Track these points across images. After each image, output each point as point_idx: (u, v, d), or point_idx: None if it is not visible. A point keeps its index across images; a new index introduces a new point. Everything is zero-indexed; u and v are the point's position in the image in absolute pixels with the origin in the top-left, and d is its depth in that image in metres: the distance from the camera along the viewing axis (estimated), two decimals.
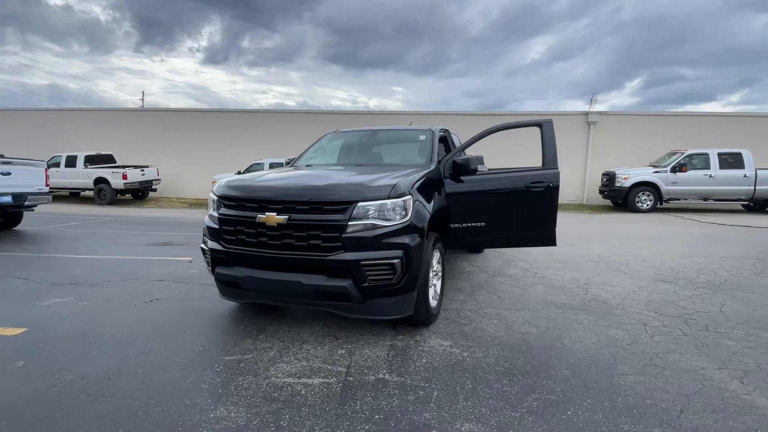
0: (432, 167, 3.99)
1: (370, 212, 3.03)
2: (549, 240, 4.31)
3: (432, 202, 3.53)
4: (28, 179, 8.40)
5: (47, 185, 8.86)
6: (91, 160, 16.79)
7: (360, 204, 3.02)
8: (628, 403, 2.35)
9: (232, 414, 2.23)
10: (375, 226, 3.01)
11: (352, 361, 2.91)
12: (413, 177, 3.44)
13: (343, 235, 2.97)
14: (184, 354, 2.97)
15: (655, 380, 2.61)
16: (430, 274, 3.45)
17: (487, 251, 6.58)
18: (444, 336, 3.33)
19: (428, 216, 3.32)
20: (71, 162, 16.61)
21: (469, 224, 4.16)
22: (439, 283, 3.79)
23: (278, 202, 3.12)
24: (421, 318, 3.40)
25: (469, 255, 6.32)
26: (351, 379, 2.65)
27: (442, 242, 3.83)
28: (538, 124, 4.33)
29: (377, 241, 2.99)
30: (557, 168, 4.20)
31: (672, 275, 5.18)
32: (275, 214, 3.05)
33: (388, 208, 3.07)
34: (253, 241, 3.16)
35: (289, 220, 3.02)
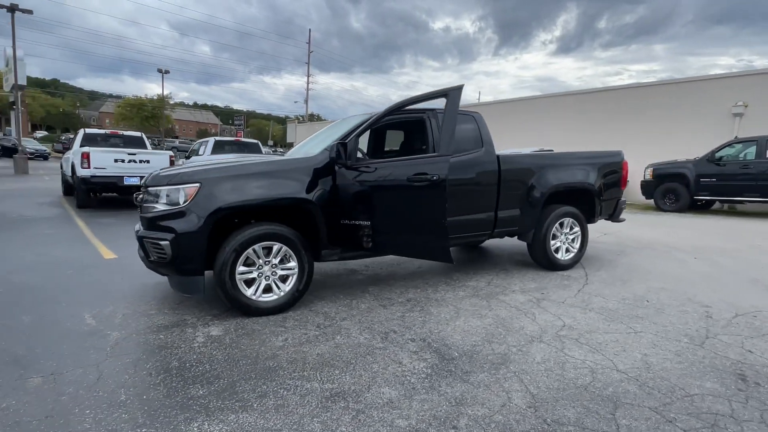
0: (321, 157, 3.72)
1: (155, 197, 3.40)
2: (441, 254, 3.57)
3: (253, 192, 3.40)
4: (161, 166, 9.81)
5: None
6: None
7: (149, 188, 3.43)
8: None
9: None
10: (154, 209, 3.36)
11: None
12: (217, 167, 3.51)
13: (140, 214, 3.57)
14: None
15: None
16: (266, 268, 3.50)
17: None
18: (217, 327, 3.19)
19: (222, 206, 3.29)
20: None
21: (355, 222, 3.70)
22: (288, 284, 3.57)
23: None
24: (240, 309, 3.44)
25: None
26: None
27: (316, 238, 3.71)
28: (445, 94, 3.61)
29: (153, 222, 3.34)
30: (449, 155, 3.45)
31: None
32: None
33: (165, 194, 3.34)
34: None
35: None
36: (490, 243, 6.54)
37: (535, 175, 4.78)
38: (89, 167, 9.24)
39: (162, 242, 3.24)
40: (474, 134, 4.51)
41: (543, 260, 4.97)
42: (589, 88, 18.48)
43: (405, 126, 4.89)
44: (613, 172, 5.39)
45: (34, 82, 76.04)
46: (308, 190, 3.60)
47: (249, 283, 3.48)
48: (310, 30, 48.58)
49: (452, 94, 3.52)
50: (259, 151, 12.46)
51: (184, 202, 3.26)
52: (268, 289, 3.54)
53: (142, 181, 3.78)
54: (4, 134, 38.15)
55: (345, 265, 5.19)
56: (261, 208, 3.54)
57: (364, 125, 3.84)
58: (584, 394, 2.41)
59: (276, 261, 3.54)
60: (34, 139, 41.58)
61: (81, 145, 10.91)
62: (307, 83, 46.47)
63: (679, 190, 11.14)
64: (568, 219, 5.00)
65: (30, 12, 19.70)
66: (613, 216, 5.56)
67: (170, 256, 3.24)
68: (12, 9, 19.15)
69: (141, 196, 3.57)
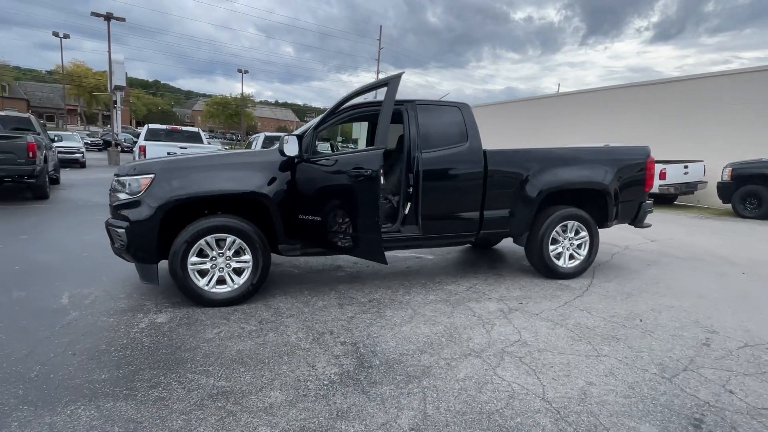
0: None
1: (121, 186, 3.49)
2: (373, 253, 3.47)
3: (197, 184, 3.45)
4: None
5: None
6: None
7: (118, 178, 3.54)
8: None
9: None
10: (118, 198, 3.49)
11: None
12: (174, 159, 3.69)
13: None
14: None
15: None
16: (220, 260, 3.54)
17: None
18: (166, 315, 3.26)
19: (171, 197, 3.37)
20: None
21: (309, 217, 3.66)
22: (243, 276, 3.58)
23: None
24: (192, 299, 3.50)
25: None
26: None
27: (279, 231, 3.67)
28: (386, 83, 3.47)
29: (116, 210, 3.50)
30: (383, 148, 3.31)
31: None
32: None
33: (123, 184, 3.46)
34: None
35: None
36: (504, 244, 6.10)
37: (529, 172, 4.33)
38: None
39: (119, 230, 3.41)
40: (458, 128, 4.19)
41: (540, 266, 4.51)
42: (662, 78, 16.48)
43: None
44: (633, 170, 4.73)
45: (139, 83, 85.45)
46: (263, 184, 3.58)
47: (204, 273, 3.55)
48: (381, 27, 48.99)
49: (392, 82, 3.31)
50: None
51: (139, 192, 3.40)
52: (222, 281, 3.59)
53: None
54: (104, 131, 43.05)
55: (333, 260, 5.13)
56: (215, 201, 3.59)
57: (318, 119, 3.74)
58: (483, 422, 2.12)
59: (230, 253, 3.57)
60: (133, 136, 46.63)
61: (145, 140, 11.99)
62: (376, 79, 46.93)
63: (762, 193, 9.55)
64: (572, 222, 4.48)
65: (123, 20, 22.04)
66: (636, 221, 4.88)
67: (126, 243, 3.40)
68: (108, 17, 21.54)
69: (111, 185, 3.80)
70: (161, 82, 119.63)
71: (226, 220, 3.50)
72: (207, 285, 3.53)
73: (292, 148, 3.50)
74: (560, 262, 4.51)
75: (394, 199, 4.47)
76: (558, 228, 4.44)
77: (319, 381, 2.49)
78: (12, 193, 9.65)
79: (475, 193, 4.18)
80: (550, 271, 4.48)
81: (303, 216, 3.67)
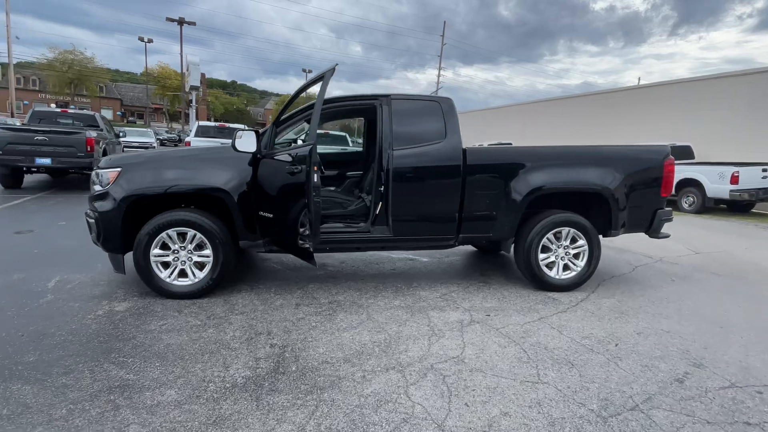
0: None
1: (95, 178, 3.67)
2: (296, 251, 3.54)
3: (160, 177, 3.56)
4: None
5: None
6: None
7: (97, 170, 3.71)
8: None
9: None
10: (94, 190, 3.65)
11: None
12: (141, 154, 3.81)
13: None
14: None
15: None
16: (182, 253, 3.60)
17: None
18: (126, 304, 3.36)
19: (132, 191, 3.48)
20: None
21: (264, 214, 3.64)
22: (204, 270, 3.63)
23: None
24: (154, 290, 3.61)
25: None
26: None
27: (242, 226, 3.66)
28: (321, 76, 3.43)
29: (91, 201, 3.65)
30: (311, 144, 3.24)
31: None
32: None
33: (98, 176, 3.64)
34: None
35: None
36: None
37: (515, 172, 3.95)
38: None
39: (90, 220, 3.60)
40: (436, 124, 3.93)
41: (529, 276, 4.11)
42: (725, 72, 14.47)
43: (363, 114, 4.54)
44: (647, 173, 4.15)
45: (218, 84, 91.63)
46: (223, 180, 3.60)
47: (168, 266, 3.65)
48: (444, 23, 48.20)
49: (326, 75, 3.15)
50: (345, 142, 12.85)
51: (107, 184, 3.56)
52: (184, 274, 3.67)
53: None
54: (167, 130, 46.36)
55: (321, 258, 5.06)
56: (175, 196, 3.65)
57: (277, 115, 3.69)
58: None
59: (191, 247, 3.64)
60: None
61: (195, 136, 12.76)
62: (438, 75, 46.41)
63: None
64: (567, 229, 4.03)
65: (193, 24, 23.75)
66: (650, 230, 4.29)
67: (96, 233, 3.59)
68: (180, 22, 23.28)
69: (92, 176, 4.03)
70: (238, 83, 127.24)
71: (187, 214, 3.56)
72: (169, 277, 3.62)
73: (244, 144, 3.48)
74: (552, 273, 4.08)
75: (367, 198, 4.31)
76: (550, 235, 4.02)
77: (222, 383, 2.43)
78: (77, 184, 10.71)
79: (451, 194, 3.90)
80: (539, 282, 4.07)
81: (260, 213, 3.64)
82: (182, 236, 3.61)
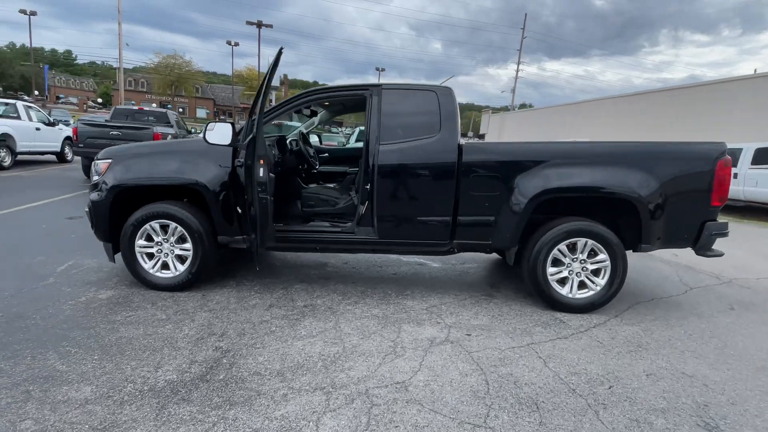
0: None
1: (94, 168, 3.76)
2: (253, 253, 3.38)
3: (143, 171, 3.61)
4: None
5: None
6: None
7: (95, 161, 3.79)
8: None
9: None
10: (93, 179, 3.74)
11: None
12: (131, 146, 3.88)
13: None
14: None
15: None
16: (165, 245, 3.62)
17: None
18: (111, 292, 3.40)
19: (117, 182, 3.54)
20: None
21: (240, 210, 3.55)
22: (185, 264, 3.63)
23: None
24: (139, 280, 3.66)
25: None
26: None
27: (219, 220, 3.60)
28: (276, 62, 3.35)
29: (90, 190, 3.74)
30: (252, 134, 3.16)
31: None
32: None
33: (96, 166, 3.73)
34: None
35: None
36: None
37: (519, 172, 3.42)
38: None
39: (86, 208, 3.74)
40: (431, 117, 3.53)
41: (536, 292, 3.56)
42: None
43: (358, 106, 4.23)
44: (692, 176, 3.38)
45: (301, 84, 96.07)
46: (200, 173, 3.53)
47: (152, 257, 3.68)
48: (525, 15, 45.92)
49: (275, 59, 2.91)
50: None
51: (99, 175, 3.67)
52: (167, 267, 3.68)
53: None
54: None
55: (323, 258, 4.87)
56: (164, 188, 3.66)
57: (250, 108, 3.54)
58: None
59: (173, 240, 3.63)
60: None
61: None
62: (516, 70, 44.29)
63: None
64: (584, 240, 3.41)
65: (270, 26, 24.94)
66: (697, 245, 3.49)
67: (90, 221, 3.72)
68: (258, 25, 24.59)
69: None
70: (319, 83, 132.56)
71: (168, 207, 3.55)
72: (152, 269, 3.65)
73: (216, 136, 3.36)
74: (564, 290, 3.49)
75: (356, 197, 4.01)
76: (563, 246, 3.44)
77: (141, 385, 2.32)
78: None
79: (444, 195, 3.48)
80: (548, 300, 3.51)
81: (239, 208, 3.52)
82: (165, 228, 3.62)
